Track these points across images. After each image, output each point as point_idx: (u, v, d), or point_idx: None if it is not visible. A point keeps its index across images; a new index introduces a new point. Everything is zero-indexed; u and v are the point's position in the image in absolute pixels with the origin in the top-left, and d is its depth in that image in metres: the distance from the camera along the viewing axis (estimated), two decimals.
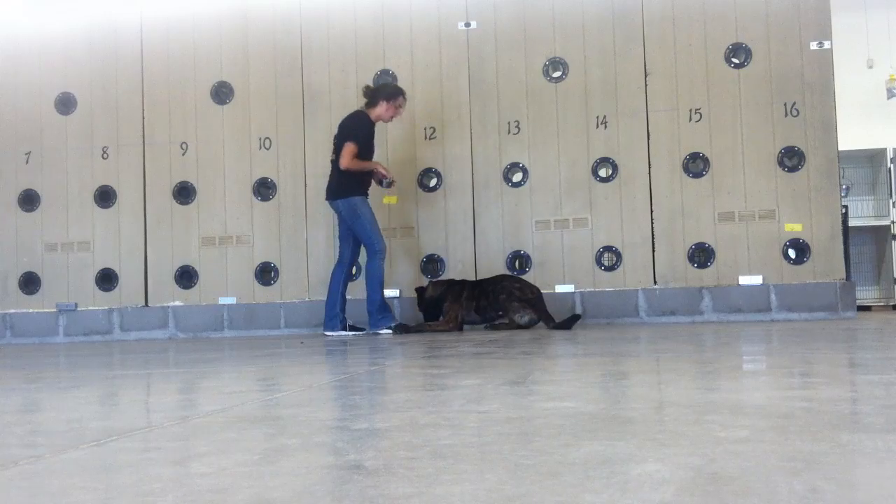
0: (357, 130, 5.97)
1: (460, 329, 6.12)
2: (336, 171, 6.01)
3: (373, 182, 6.15)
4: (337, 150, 6.01)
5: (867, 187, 8.91)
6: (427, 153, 6.79)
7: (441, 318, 6.18)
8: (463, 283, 6.27)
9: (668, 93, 6.55)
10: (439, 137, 6.80)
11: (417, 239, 6.76)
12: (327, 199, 6.16)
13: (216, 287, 7.00)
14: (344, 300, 6.06)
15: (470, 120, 6.77)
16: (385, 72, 6.87)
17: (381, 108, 6.05)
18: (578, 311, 6.49)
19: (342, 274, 6.08)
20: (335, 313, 6.05)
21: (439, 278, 6.50)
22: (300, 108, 6.97)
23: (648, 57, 6.61)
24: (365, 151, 5.99)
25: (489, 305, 6.11)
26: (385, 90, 6.10)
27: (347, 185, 5.96)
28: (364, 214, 5.95)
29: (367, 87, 6.16)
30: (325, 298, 6.84)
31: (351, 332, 6.05)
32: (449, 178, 6.78)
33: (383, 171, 6.00)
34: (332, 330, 6.06)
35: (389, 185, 6.11)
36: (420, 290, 6.36)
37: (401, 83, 6.71)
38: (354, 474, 1.32)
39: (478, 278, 6.47)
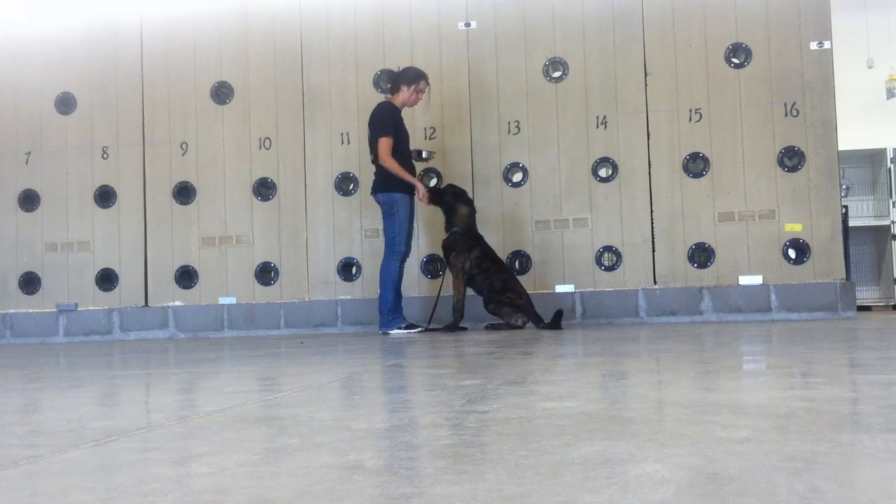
0: (385, 123, 5.94)
1: (465, 287, 6.04)
2: (379, 168, 6.01)
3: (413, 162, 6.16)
4: (373, 149, 6.00)
5: (867, 187, 8.91)
6: None
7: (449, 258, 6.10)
8: (477, 238, 6.12)
9: (668, 93, 6.55)
10: (439, 137, 6.80)
11: (417, 239, 6.75)
12: (372, 194, 6.14)
13: (216, 287, 7.00)
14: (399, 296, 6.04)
15: (470, 120, 6.77)
16: (385, 72, 6.86)
17: (403, 94, 6.05)
18: (578, 310, 6.49)
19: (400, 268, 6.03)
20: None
21: (460, 188, 6.24)
22: (300, 108, 6.97)
23: (648, 57, 6.61)
24: (398, 140, 5.97)
25: (478, 287, 6.07)
26: (406, 75, 6.07)
27: (388, 180, 5.94)
28: (400, 213, 5.93)
29: (390, 72, 6.17)
30: (324, 298, 6.85)
31: (413, 331, 5.99)
32: (449, 178, 6.77)
33: (421, 189, 5.94)
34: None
35: (428, 159, 6.14)
36: (438, 191, 6.17)
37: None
38: (354, 474, 1.32)
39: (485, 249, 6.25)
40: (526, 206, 6.69)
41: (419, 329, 6.03)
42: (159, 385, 3.11)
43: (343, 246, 6.83)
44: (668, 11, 6.59)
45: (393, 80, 6.12)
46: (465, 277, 6.02)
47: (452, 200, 6.10)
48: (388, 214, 5.97)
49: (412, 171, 6.12)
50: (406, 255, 6.03)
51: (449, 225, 6.12)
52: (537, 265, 6.64)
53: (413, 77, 6.06)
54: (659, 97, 6.56)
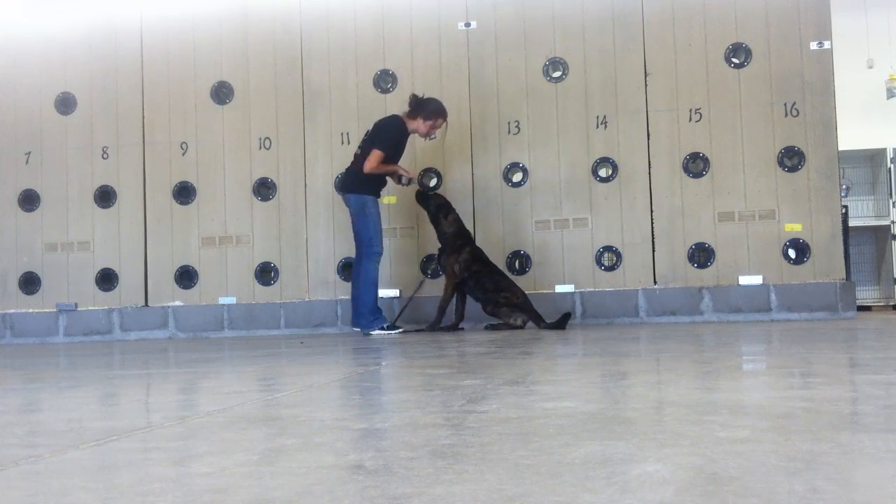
0: (388, 137, 5.91)
1: (460, 286, 6.08)
2: (355, 164, 5.99)
3: (390, 181, 6.17)
4: (364, 147, 5.99)
5: (867, 187, 8.91)
6: (427, 153, 6.79)
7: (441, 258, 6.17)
8: (467, 238, 6.16)
9: (668, 93, 6.55)
10: (439, 137, 6.78)
11: (417, 239, 6.76)
12: (339, 190, 6.14)
13: (216, 287, 7.00)
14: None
15: (470, 120, 6.77)
16: (385, 72, 6.87)
17: (418, 123, 5.99)
18: (578, 310, 6.49)
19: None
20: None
21: (444, 199, 6.26)
22: (300, 108, 6.97)
23: (648, 57, 6.60)
24: (391, 157, 5.96)
25: (472, 291, 6.08)
26: (426, 107, 5.98)
27: (362, 183, 5.94)
28: (371, 215, 5.94)
29: (414, 97, 6.06)
30: (324, 298, 6.86)
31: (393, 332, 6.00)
32: (449, 178, 6.78)
33: (404, 173, 5.97)
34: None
35: (409, 182, 6.10)
36: (424, 197, 6.21)
37: (401, 83, 6.71)
38: (354, 474, 1.32)
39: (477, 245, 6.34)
40: (526, 206, 6.69)
41: (401, 330, 6.01)
42: (159, 385, 3.11)
43: (343, 246, 6.82)
44: (668, 12, 6.59)
45: (414, 105, 6.01)
46: (455, 279, 6.04)
47: (436, 211, 6.16)
48: (360, 216, 5.95)
49: (383, 182, 6.11)
50: (381, 254, 6.01)
51: (440, 234, 6.18)
52: (537, 265, 6.64)
53: (433, 112, 5.98)
54: (659, 97, 6.56)
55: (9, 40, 7.40)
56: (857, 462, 1.31)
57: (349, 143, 6.85)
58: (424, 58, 6.80)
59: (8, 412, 2.34)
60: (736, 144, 6.46)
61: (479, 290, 6.05)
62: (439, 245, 6.21)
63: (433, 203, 6.18)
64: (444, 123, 6.09)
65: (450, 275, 6.06)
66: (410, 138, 6.15)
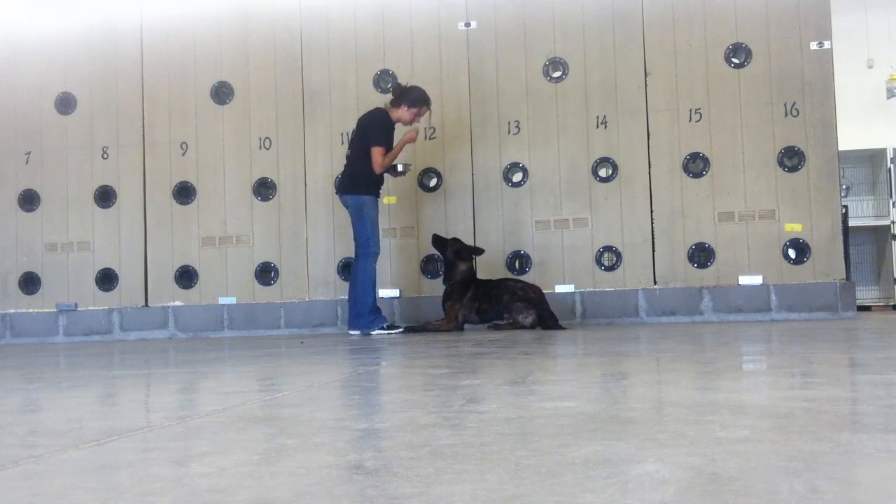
0: (380, 132, 5.92)
1: (461, 328, 6.12)
2: (350, 166, 6.01)
3: (387, 179, 6.18)
4: (354, 148, 5.99)
5: (867, 187, 8.90)
6: (427, 153, 6.80)
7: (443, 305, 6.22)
8: (469, 281, 6.22)
9: (668, 93, 6.55)
10: (439, 137, 6.80)
11: (417, 239, 6.76)
12: (338, 192, 6.16)
13: (216, 287, 7.00)
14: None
15: (470, 120, 6.77)
16: (385, 72, 6.87)
17: (401, 111, 6.00)
18: (578, 310, 6.50)
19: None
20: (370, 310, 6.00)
21: (462, 244, 6.29)
22: (300, 108, 6.97)
23: (648, 57, 6.60)
24: (388, 149, 5.97)
25: (491, 308, 6.09)
26: (410, 95, 5.98)
27: (361, 183, 5.94)
28: (369, 215, 5.94)
29: (397, 85, 6.09)
30: (324, 298, 6.86)
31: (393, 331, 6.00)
32: (449, 178, 6.78)
33: (411, 137, 5.99)
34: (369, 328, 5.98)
35: (405, 170, 6.09)
36: (441, 241, 6.27)
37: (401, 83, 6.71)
38: (354, 474, 1.32)
39: (480, 278, 6.44)
40: (526, 206, 6.69)
41: (399, 329, 6.01)
42: (159, 385, 3.11)
43: (343, 246, 6.82)
44: (668, 12, 6.59)
45: (397, 94, 6.03)
46: (454, 324, 6.08)
47: (453, 258, 6.19)
48: (357, 217, 5.95)
49: (381, 182, 6.11)
50: (378, 254, 6.02)
51: (447, 277, 6.23)
52: (537, 265, 6.64)
53: (416, 100, 5.98)
54: (659, 97, 6.56)
55: (9, 40, 7.40)
56: (857, 462, 1.31)
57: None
58: (424, 58, 6.80)
59: (8, 412, 2.34)
60: (736, 144, 6.46)
61: (493, 300, 6.05)
62: (446, 289, 6.22)
63: (450, 249, 6.22)
64: (429, 112, 6.11)
65: (452, 318, 6.11)
66: (410, 139, 6.14)
